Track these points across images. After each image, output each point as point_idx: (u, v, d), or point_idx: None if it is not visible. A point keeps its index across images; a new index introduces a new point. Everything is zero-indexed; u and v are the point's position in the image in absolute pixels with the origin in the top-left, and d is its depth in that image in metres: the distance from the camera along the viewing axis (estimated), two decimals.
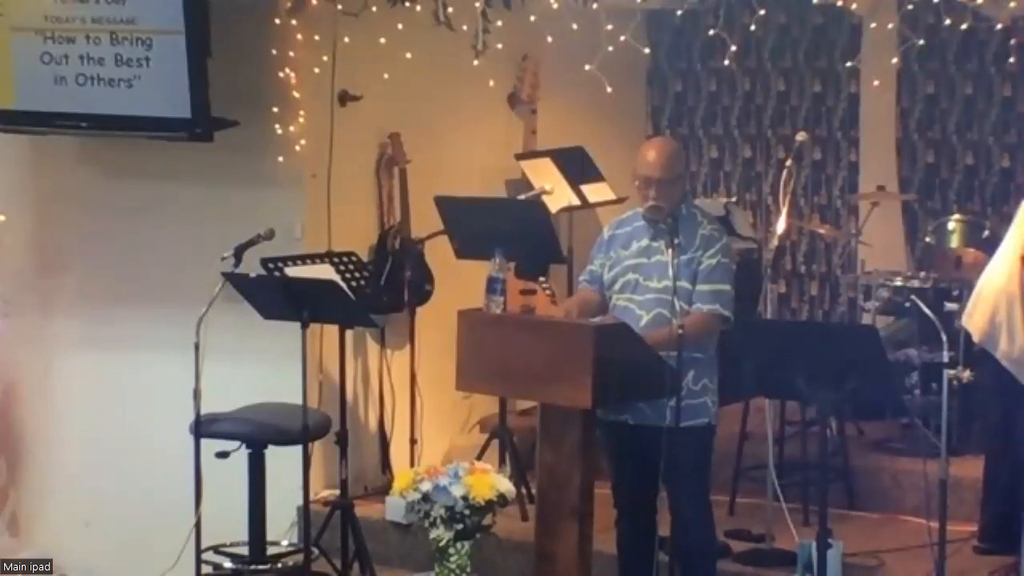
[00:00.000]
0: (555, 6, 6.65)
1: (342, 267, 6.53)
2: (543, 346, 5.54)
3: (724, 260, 5.65)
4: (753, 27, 6.61)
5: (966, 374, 7.01)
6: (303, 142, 7.00)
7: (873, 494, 7.09)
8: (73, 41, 6.80)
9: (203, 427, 6.13)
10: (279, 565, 6.47)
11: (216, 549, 6.40)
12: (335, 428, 6.52)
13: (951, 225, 7.72)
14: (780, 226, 6.54)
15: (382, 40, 7.01)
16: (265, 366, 6.82)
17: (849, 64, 8.10)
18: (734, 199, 8.90)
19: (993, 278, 6.19)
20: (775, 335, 5.75)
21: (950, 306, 7.14)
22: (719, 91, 9.23)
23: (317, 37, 6.98)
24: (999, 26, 7.22)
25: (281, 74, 6.95)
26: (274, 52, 6.95)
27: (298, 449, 6.22)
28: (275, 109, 6.97)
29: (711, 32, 6.83)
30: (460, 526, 5.76)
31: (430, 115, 7.53)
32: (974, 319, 6.22)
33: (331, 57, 6.96)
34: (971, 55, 8.48)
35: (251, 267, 6.20)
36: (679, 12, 7.13)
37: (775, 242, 6.69)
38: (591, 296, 5.82)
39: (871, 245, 7.98)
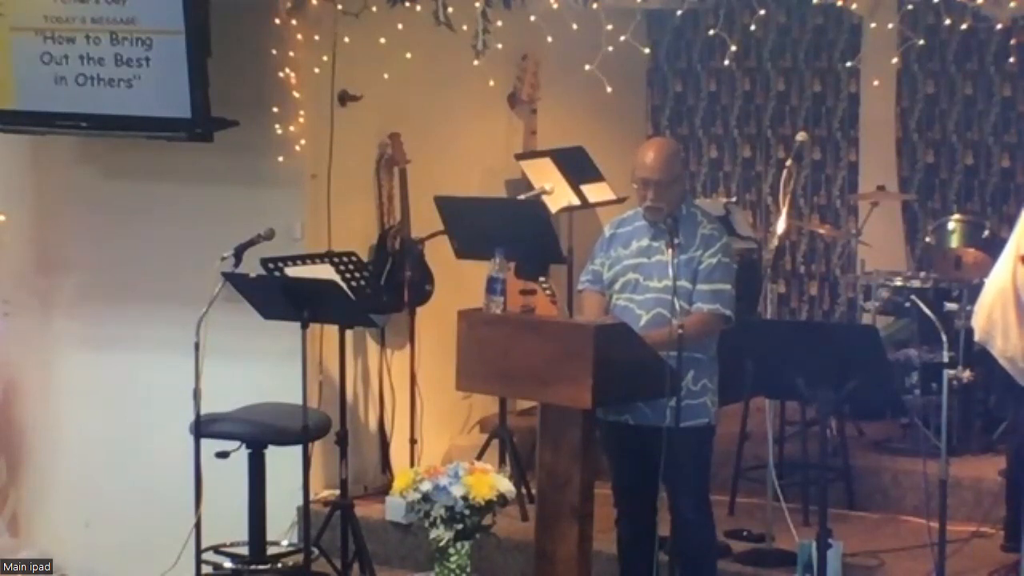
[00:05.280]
0: (555, 6, 6.65)
1: (342, 267, 6.53)
2: (543, 346, 5.54)
3: (724, 259, 5.65)
4: (753, 27, 6.61)
5: (966, 374, 7.05)
6: (303, 142, 7.00)
7: (873, 494, 7.09)
8: (73, 41, 6.80)
9: (203, 427, 6.13)
10: (279, 565, 6.47)
11: (216, 549, 6.40)
12: (335, 428, 6.52)
13: (951, 225, 7.72)
14: (780, 226, 6.54)
15: (382, 40, 7.01)
16: (265, 366, 6.82)
17: (849, 64, 8.10)
18: (734, 199, 8.89)
19: (994, 278, 6.20)
20: (775, 335, 5.75)
21: (950, 306, 7.14)
22: (719, 91, 9.23)
23: (317, 37, 6.98)
24: (999, 26, 7.22)
25: (281, 74, 6.95)
26: (274, 52, 6.95)
27: (298, 449, 6.22)
28: (275, 109, 6.97)
29: (711, 32, 6.84)
30: (460, 526, 5.76)
31: (430, 115, 7.53)
32: (977, 318, 6.23)
33: (331, 57, 6.96)
34: (971, 55, 8.48)
35: (251, 267, 6.20)
36: (679, 12, 7.13)
37: (775, 242, 6.69)
38: (603, 301, 5.81)
39: (871, 245, 7.97)
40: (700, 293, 5.60)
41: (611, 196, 7.49)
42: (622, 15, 6.68)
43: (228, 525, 6.38)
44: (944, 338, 6.08)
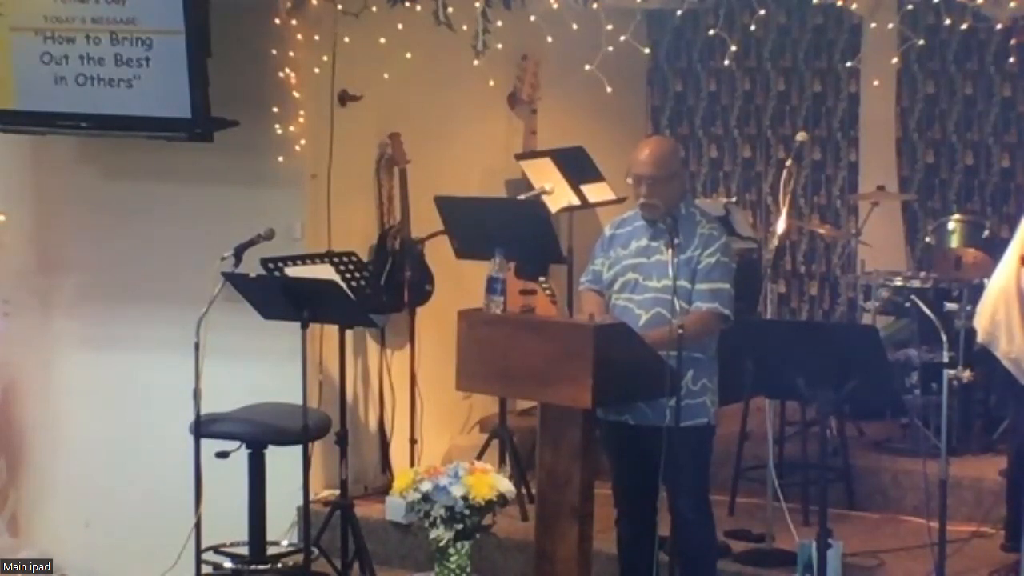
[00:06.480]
0: (555, 6, 6.65)
1: (342, 267, 6.53)
2: (543, 346, 5.54)
3: (723, 259, 5.65)
4: (753, 27, 6.61)
5: (966, 374, 7.04)
6: (303, 142, 7.00)
7: (873, 494, 7.09)
8: (73, 41, 6.80)
9: (203, 427, 6.13)
10: (279, 565, 6.47)
11: (216, 549, 6.40)
12: (335, 428, 6.52)
13: (951, 225, 7.72)
14: (780, 226, 6.55)
15: (382, 40, 7.01)
16: (265, 366, 6.82)
17: (849, 64, 8.10)
18: (734, 199, 8.90)
19: (997, 279, 6.20)
20: (775, 335, 5.75)
21: (950, 306, 7.14)
22: (719, 91, 9.23)
23: (317, 37, 6.98)
24: (999, 26, 7.22)
25: (281, 74, 6.96)
26: (274, 52, 6.95)
27: (298, 449, 6.22)
28: (275, 109, 6.97)
29: (711, 32, 6.84)
30: (460, 526, 5.76)
31: (430, 115, 7.53)
32: (980, 319, 6.23)
33: (331, 57, 6.96)
34: (971, 55, 8.48)
35: (251, 267, 6.19)
36: (679, 12, 7.13)
37: (775, 242, 6.70)
38: (601, 300, 5.82)
39: (871, 245, 7.98)
40: (699, 292, 5.60)
41: (611, 196, 7.49)
42: (622, 15, 6.68)
43: (228, 525, 6.38)
44: (944, 338, 6.08)
